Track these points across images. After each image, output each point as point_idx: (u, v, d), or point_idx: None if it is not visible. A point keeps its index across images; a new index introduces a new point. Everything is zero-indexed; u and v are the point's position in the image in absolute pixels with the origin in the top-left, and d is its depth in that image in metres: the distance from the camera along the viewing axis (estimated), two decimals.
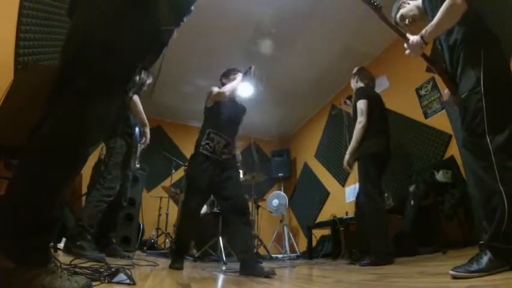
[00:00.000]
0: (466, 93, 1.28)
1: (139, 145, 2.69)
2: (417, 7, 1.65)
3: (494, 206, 1.16)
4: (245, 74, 2.46)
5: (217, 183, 2.19)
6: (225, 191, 2.16)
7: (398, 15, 1.72)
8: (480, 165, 1.23)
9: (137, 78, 1.88)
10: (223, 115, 2.33)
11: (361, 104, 2.53)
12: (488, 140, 1.18)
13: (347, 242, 3.16)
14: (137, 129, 2.62)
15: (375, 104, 2.59)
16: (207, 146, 2.22)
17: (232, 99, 2.46)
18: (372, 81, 2.85)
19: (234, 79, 2.45)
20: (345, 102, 3.06)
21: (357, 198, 2.72)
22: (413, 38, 1.44)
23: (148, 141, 2.78)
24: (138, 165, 2.84)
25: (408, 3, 1.68)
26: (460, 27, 1.33)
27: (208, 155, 2.20)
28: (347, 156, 2.58)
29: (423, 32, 1.40)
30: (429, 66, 1.56)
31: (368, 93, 2.65)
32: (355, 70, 2.87)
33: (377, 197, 2.38)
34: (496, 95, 1.21)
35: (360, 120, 2.48)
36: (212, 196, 2.97)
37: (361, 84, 2.75)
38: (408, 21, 1.68)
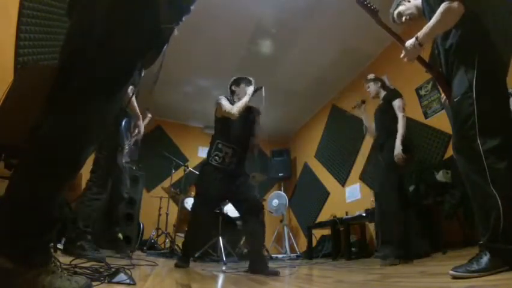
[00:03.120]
0: (458, 98, 1.27)
1: (129, 139, 2.55)
2: (416, 7, 1.64)
3: (488, 208, 1.15)
4: (255, 91, 2.44)
5: (230, 190, 2.28)
6: (239, 195, 2.28)
7: (396, 12, 1.72)
8: (472, 168, 1.22)
9: (138, 77, 1.87)
10: (232, 126, 2.34)
11: (401, 102, 2.66)
12: (479, 143, 1.18)
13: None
14: (123, 122, 2.44)
15: None
16: (216, 157, 2.29)
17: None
18: None
19: (243, 90, 2.42)
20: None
21: (380, 192, 2.62)
22: (408, 42, 1.43)
23: (141, 133, 2.63)
24: (125, 162, 2.74)
25: (408, 1, 1.68)
26: (457, 30, 1.32)
27: (218, 166, 2.27)
28: (400, 147, 2.46)
29: (418, 34, 1.39)
30: (426, 70, 1.56)
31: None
32: (373, 76, 2.93)
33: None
34: (487, 100, 1.21)
35: (404, 115, 2.60)
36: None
37: (384, 91, 2.82)
38: (405, 19, 1.68)
